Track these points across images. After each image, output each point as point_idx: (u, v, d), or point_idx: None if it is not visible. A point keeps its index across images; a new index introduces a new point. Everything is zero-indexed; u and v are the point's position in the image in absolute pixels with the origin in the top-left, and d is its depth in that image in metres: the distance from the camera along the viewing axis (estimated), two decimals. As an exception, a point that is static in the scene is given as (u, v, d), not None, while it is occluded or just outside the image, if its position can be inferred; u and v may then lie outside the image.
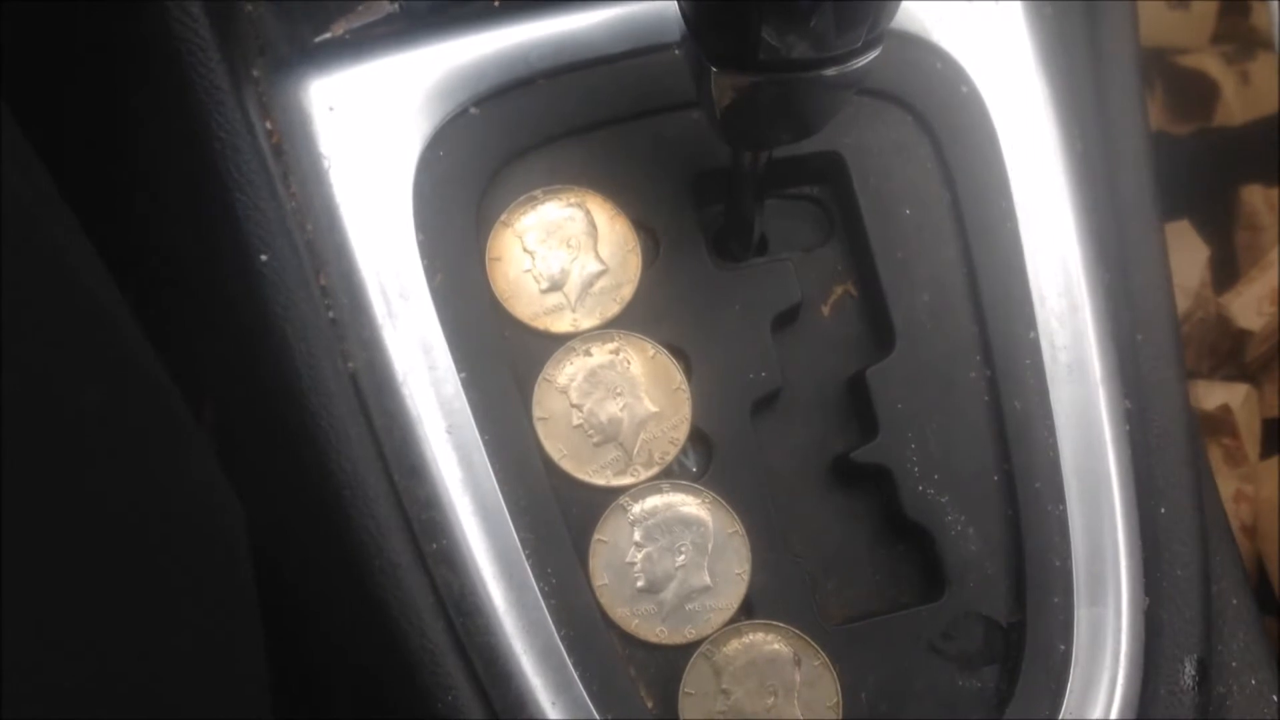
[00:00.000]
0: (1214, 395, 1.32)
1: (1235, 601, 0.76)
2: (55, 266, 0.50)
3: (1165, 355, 0.75)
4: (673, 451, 0.69)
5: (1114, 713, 0.69)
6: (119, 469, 0.51)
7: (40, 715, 0.47)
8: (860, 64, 0.61)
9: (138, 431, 0.53)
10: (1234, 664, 0.75)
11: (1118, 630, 0.69)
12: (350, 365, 0.67)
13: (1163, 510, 0.72)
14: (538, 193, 0.72)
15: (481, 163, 0.71)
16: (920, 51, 0.74)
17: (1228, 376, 1.35)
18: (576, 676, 0.65)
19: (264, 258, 0.67)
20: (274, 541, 0.72)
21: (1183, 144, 1.49)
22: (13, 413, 0.46)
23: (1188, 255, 1.35)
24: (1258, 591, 1.12)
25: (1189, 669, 0.71)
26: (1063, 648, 0.69)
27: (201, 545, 0.54)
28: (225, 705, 0.54)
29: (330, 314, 0.67)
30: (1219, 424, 1.30)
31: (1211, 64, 1.53)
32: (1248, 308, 1.34)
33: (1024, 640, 0.69)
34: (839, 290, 0.75)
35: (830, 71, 0.61)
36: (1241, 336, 1.33)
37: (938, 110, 0.74)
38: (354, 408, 0.66)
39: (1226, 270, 1.40)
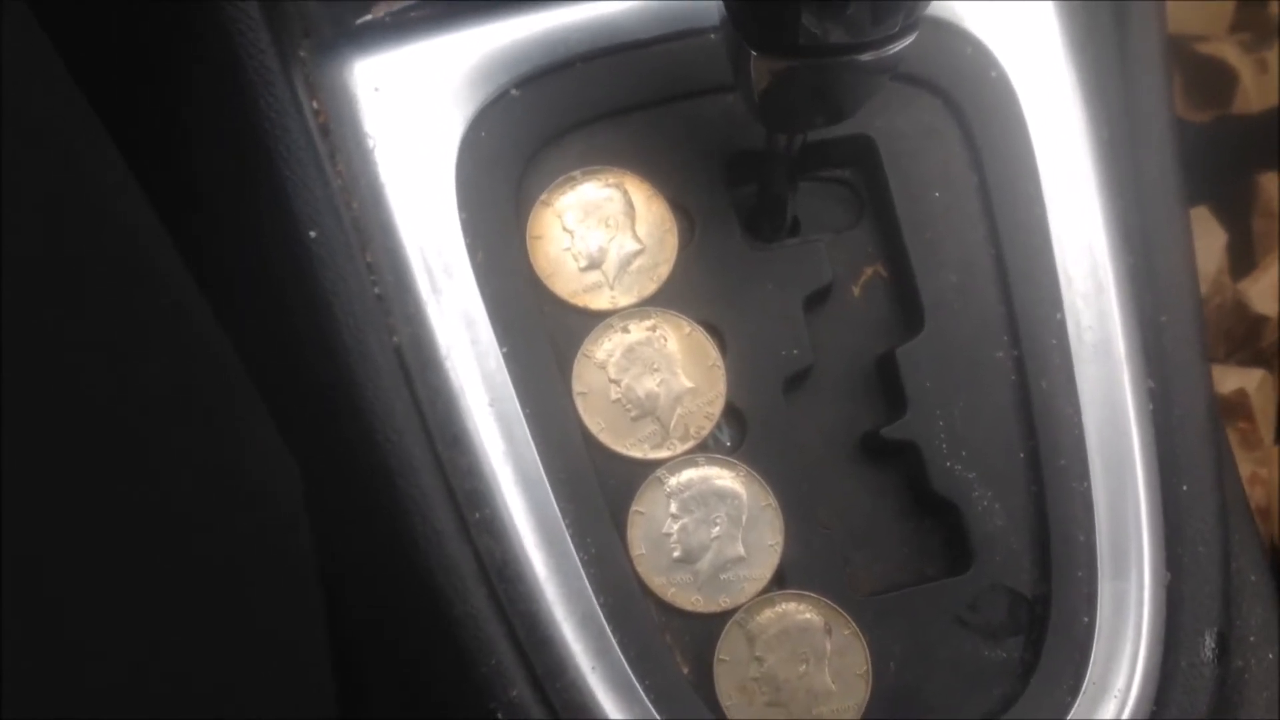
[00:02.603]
0: (1230, 380, 1.33)
1: (1253, 578, 0.78)
2: (123, 239, 0.51)
3: (1188, 336, 0.76)
4: (708, 426, 0.70)
5: (1135, 684, 0.70)
6: (184, 442, 0.53)
7: (111, 683, 0.48)
8: (895, 49, 0.62)
9: (202, 405, 0.54)
10: (1251, 639, 0.76)
11: (1140, 604, 0.71)
12: (395, 339, 0.68)
13: (1184, 488, 0.73)
14: (577, 173, 0.73)
15: (522, 143, 0.72)
16: (950, 37, 0.75)
17: (1244, 361, 1.36)
18: (615, 642, 0.67)
19: (313, 234, 0.68)
20: (318, 510, 0.74)
21: (1201, 131, 1.50)
22: (82, 384, 0.47)
23: (1205, 241, 1.36)
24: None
25: (1209, 642, 0.72)
26: (1086, 620, 0.70)
27: (265, 518, 0.55)
28: (288, 675, 0.55)
29: (376, 290, 0.69)
30: (1235, 408, 1.32)
31: (1230, 52, 1.53)
32: (1265, 293, 1.35)
33: (1048, 613, 0.70)
34: (869, 271, 0.76)
35: (866, 56, 0.62)
36: (1258, 322, 1.35)
37: (967, 95, 0.75)
38: (399, 380, 0.68)
39: (1243, 256, 1.41)
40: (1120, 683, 0.70)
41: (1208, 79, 1.52)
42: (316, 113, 0.70)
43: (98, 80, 0.56)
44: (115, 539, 0.50)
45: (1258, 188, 1.46)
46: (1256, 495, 1.28)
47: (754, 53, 0.62)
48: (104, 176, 0.50)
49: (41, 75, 0.51)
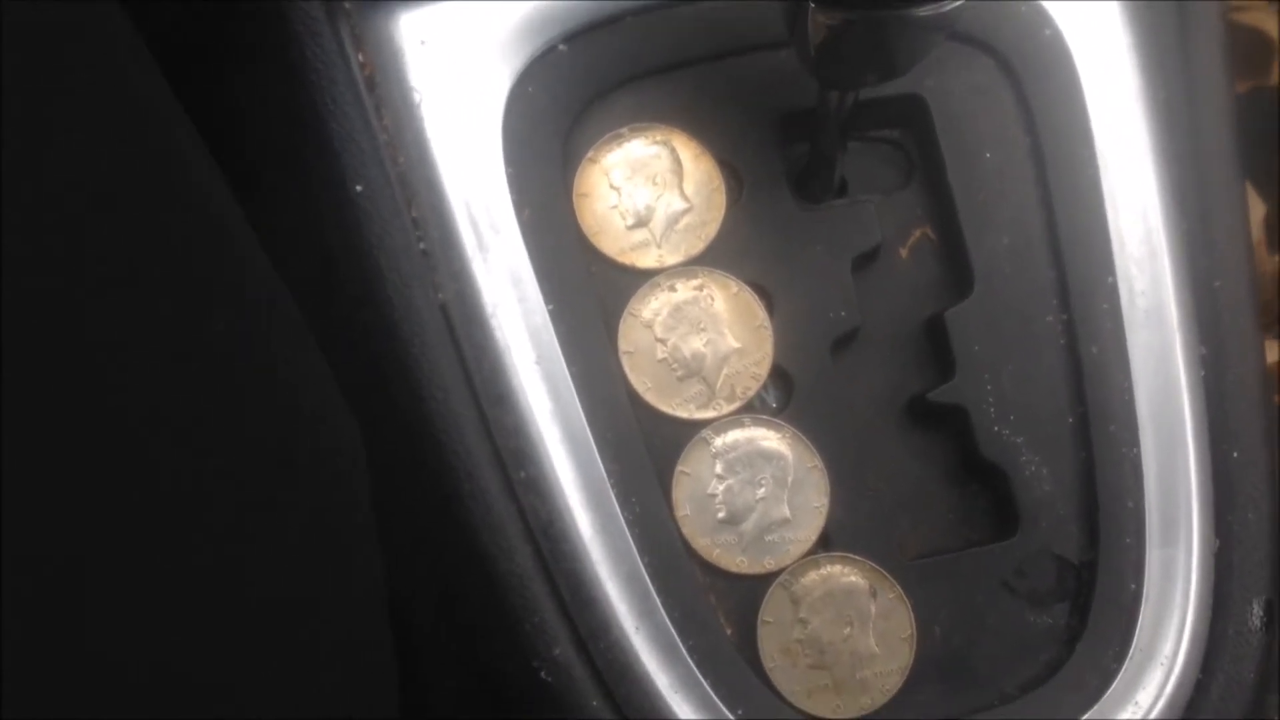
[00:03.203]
0: (1268, 352, 1.31)
1: (1301, 547, 0.77)
2: (189, 193, 0.50)
3: (1241, 303, 0.74)
4: (754, 387, 0.70)
5: (1182, 651, 0.70)
6: (249, 395, 0.52)
7: (185, 623, 0.48)
8: (953, 5, 0.61)
9: (265, 357, 0.54)
10: (1299, 608, 0.75)
11: (1188, 571, 0.70)
12: (441, 296, 0.68)
13: (1235, 455, 0.72)
14: (624, 130, 0.72)
15: (569, 99, 0.71)
16: (1004, -5, 0.73)
17: (1280, 334, 1.34)
18: (660, 603, 0.67)
19: (359, 188, 0.67)
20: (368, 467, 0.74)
21: (1239, 102, 1.47)
22: (150, 333, 0.47)
23: (1246, 211, 1.34)
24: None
25: (1257, 610, 0.71)
26: (1134, 587, 0.69)
27: (327, 471, 0.55)
28: (349, 637, 0.55)
29: (421, 245, 0.68)
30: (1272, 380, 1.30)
31: (1269, 22, 1.50)
32: (1304, 265, 1.33)
33: (1095, 579, 0.69)
34: (918, 233, 0.75)
35: (924, 11, 0.61)
36: (1297, 294, 1.33)
37: (1020, 54, 0.74)
38: (444, 338, 0.67)
39: (1281, 229, 1.39)
40: (1167, 649, 0.69)
41: (1245, 49, 1.49)
42: (362, 65, 0.69)
43: (153, 38, 0.55)
44: (181, 491, 0.49)
45: (1297, 159, 1.43)
46: (1293, 467, 1.26)
47: (811, 4, 0.60)
48: (174, 135, 0.50)
49: (117, 37, 0.51)
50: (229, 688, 0.51)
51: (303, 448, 0.54)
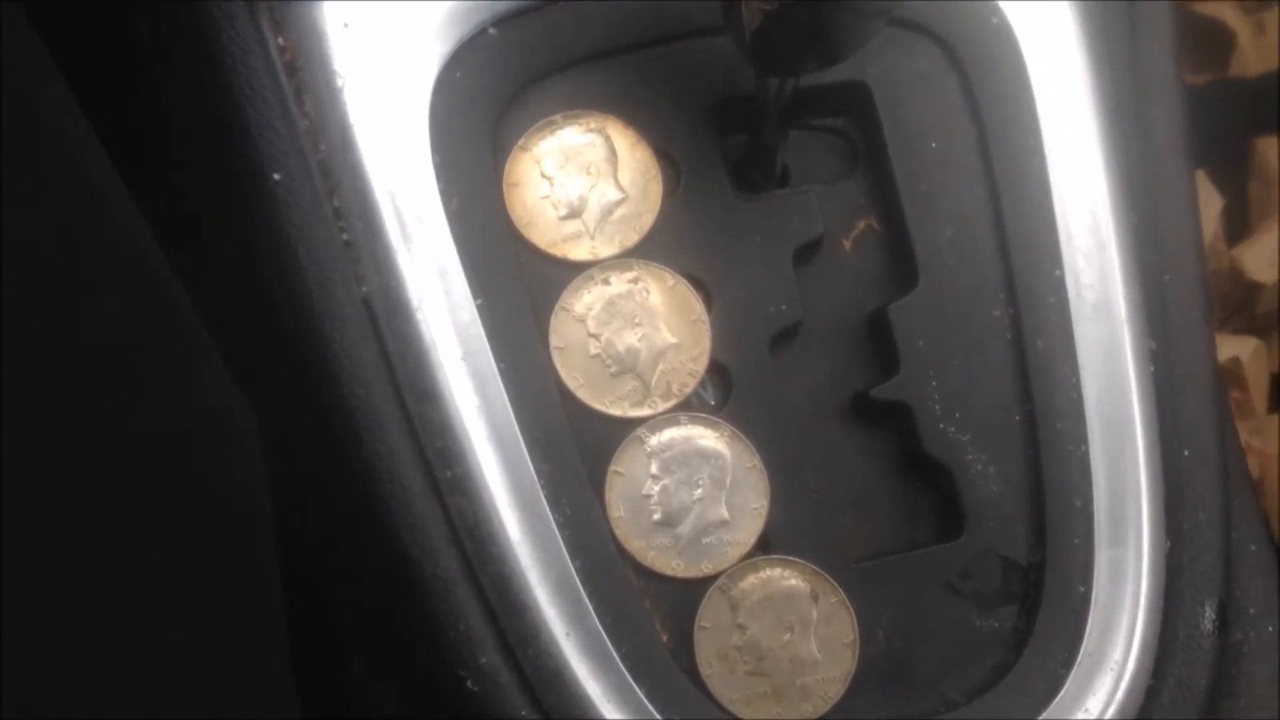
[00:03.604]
0: (1224, 348, 1.30)
1: (1254, 548, 0.75)
2: (77, 178, 0.48)
3: (1192, 297, 0.73)
4: (691, 383, 0.67)
5: (1133, 655, 0.68)
6: (136, 383, 0.50)
7: (59, 621, 0.46)
8: (892, -11, 0.59)
9: (155, 348, 0.51)
10: (1251, 610, 0.74)
11: (1138, 572, 0.68)
12: (364, 289, 0.65)
13: (1185, 453, 0.71)
14: (557, 117, 0.70)
15: (500, 85, 0.69)
16: (950, -19, 0.72)
17: (1238, 329, 1.33)
18: (591, 608, 0.64)
19: (277, 177, 0.65)
20: (283, 467, 0.71)
21: (1197, 94, 1.46)
22: (32, 312, 0.45)
23: (1202, 206, 1.31)
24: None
25: (1209, 613, 0.70)
26: (1082, 589, 0.68)
27: (218, 467, 0.53)
28: (238, 626, 0.53)
29: (344, 236, 0.66)
30: (1228, 376, 1.29)
31: (1228, 13, 1.50)
32: (1260, 260, 1.32)
33: (1043, 581, 0.67)
34: (861, 224, 0.74)
35: (863, -2, 0.59)
36: (1253, 289, 1.32)
37: (967, 42, 0.72)
38: (367, 332, 0.65)
39: (1239, 222, 1.38)
40: (1117, 654, 0.68)
41: (1205, 41, 1.48)
42: (283, 50, 0.67)
43: (52, 18, 0.53)
44: (58, 475, 0.47)
45: (1254, 152, 1.43)
46: (1250, 466, 1.25)
47: (745, -12, 0.58)
48: (59, 118, 0.48)
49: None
50: (114, 689, 0.49)
51: (196, 449, 0.52)
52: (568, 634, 0.65)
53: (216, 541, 0.55)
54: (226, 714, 0.55)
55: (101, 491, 0.55)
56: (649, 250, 0.69)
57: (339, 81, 0.67)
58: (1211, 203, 1.37)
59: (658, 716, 0.65)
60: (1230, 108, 1.47)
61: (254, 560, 0.57)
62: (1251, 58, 1.49)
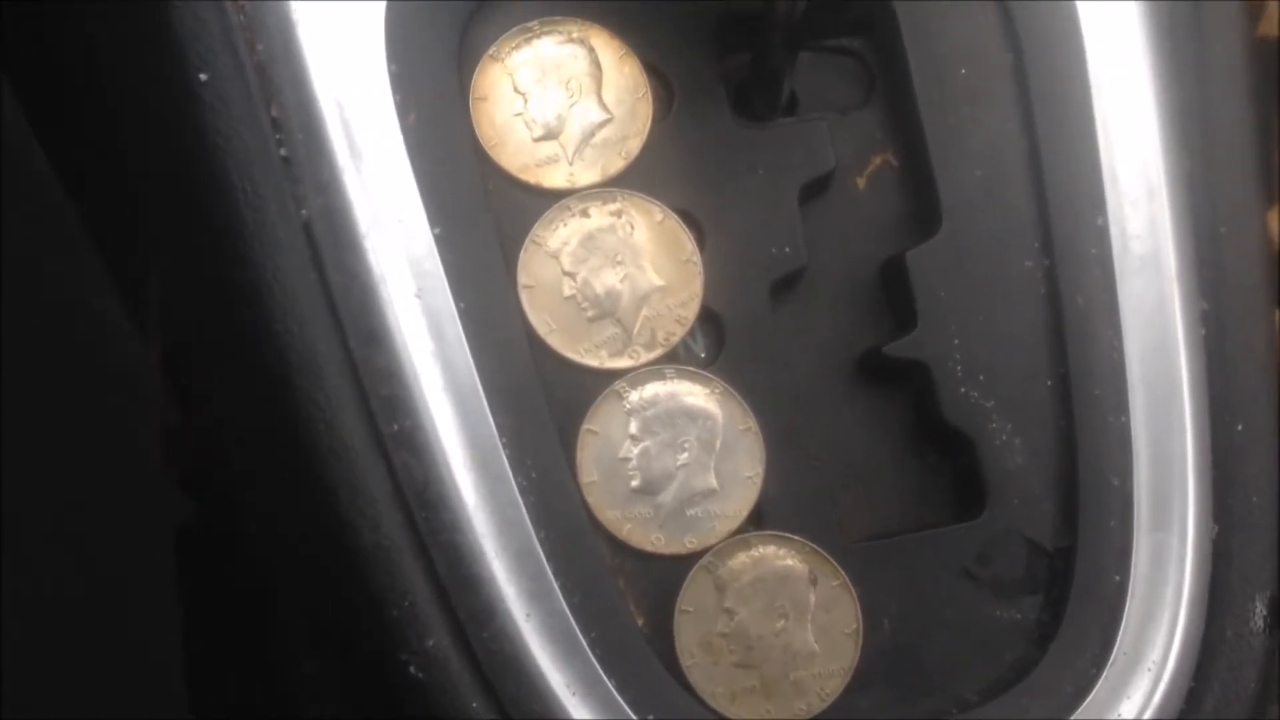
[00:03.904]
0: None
1: (1310, 536, 0.70)
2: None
3: (1250, 253, 0.68)
4: (679, 332, 0.63)
5: (1173, 653, 0.63)
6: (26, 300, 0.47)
7: None
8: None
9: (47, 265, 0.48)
10: (1305, 607, 0.69)
11: (1181, 560, 0.64)
12: (304, 212, 0.60)
13: (1239, 427, 0.65)
14: (534, 24, 0.64)
15: (469, -15, 0.64)
16: (987, -114, 0.67)
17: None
18: (556, 586, 0.60)
19: (203, 77, 0.59)
20: (213, 415, 0.65)
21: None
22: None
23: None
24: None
25: (1259, 609, 0.64)
26: (1118, 578, 0.63)
27: (109, 387, 0.49)
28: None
29: (282, 151, 0.60)
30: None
31: (1263, -33, 1.43)
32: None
33: (1073, 568, 0.64)
34: (878, 160, 0.69)
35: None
36: (1283, 258, 1.25)
37: (1005, -45, 0.66)
38: (305, 261, 0.60)
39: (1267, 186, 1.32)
40: (1155, 653, 0.63)
41: (1234, 0, 1.42)
42: (217, -67, 0.59)
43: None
44: None
45: (1284, 117, 1.36)
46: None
47: None
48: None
49: None
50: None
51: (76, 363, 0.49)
52: (528, 615, 0.59)
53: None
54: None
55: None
56: (635, 180, 0.64)
57: (283, -28, 0.61)
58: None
59: (629, 711, 0.59)
60: (1259, 69, 1.40)
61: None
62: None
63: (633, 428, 0.62)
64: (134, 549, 0.54)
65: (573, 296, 0.63)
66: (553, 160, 0.63)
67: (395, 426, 0.59)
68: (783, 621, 0.62)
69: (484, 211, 0.62)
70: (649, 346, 0.63)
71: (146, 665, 0.54)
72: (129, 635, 0.54)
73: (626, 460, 0.62)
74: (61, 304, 0.53)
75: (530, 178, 0.63)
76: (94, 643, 0.53)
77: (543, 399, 0.61)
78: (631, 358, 0.63)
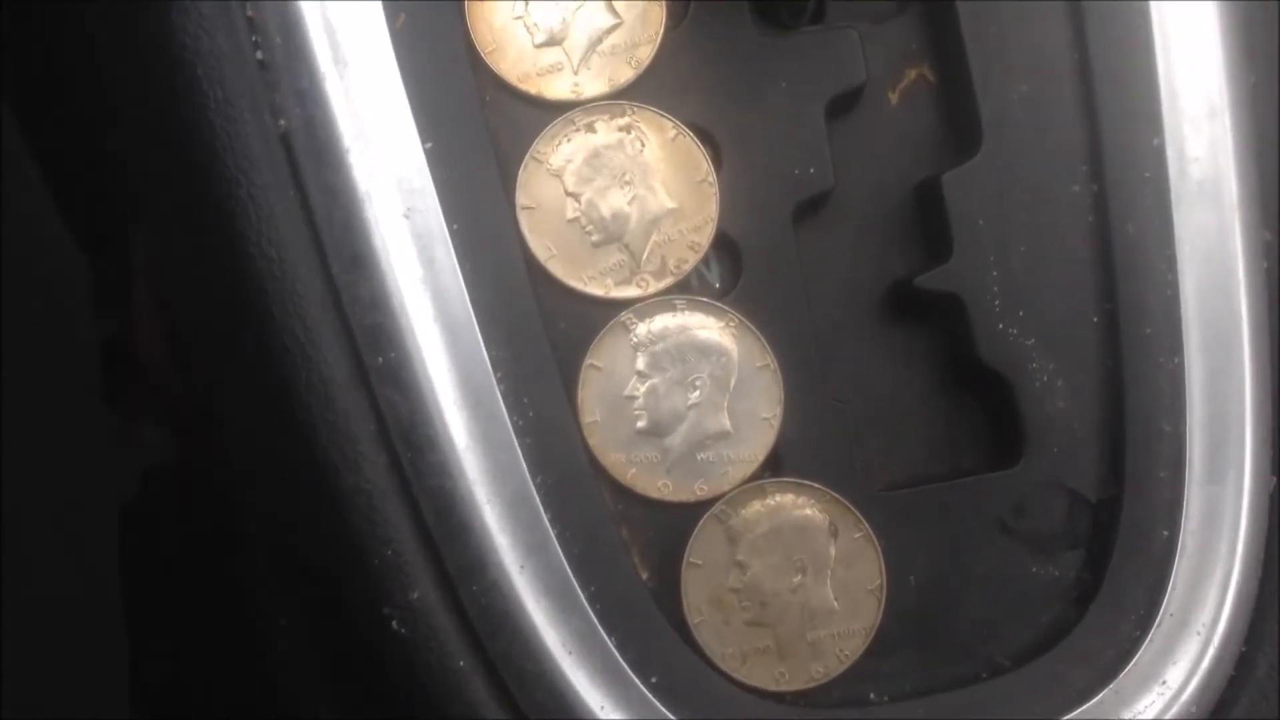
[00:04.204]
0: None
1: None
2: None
3: (1321, 178, 0.65)
4: (692, 259, 0.61)
5: (1224, 615, 0.60)
6: None
7: None
8: None
9: None
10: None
11: (1236, 515, 0.61)
12: (282, 123, 0.57)
13: None
14: None
15: None
16: None
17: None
18: (553, 535, 0.58)
19: None
20: (187, 351, 0.62)
21: None
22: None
23: None
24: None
25: (1321, 568, 0.62)
26: (1166, 533, 0.61)
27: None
28: None
29: (259, 55, 0.57)
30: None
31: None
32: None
33: (1117, 521, 0.61)
34: (912, 73, 0.66)
35: None
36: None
37: None
38: (284, 177, 0.57)
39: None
40: (1205, 616, 0.60)
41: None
42: None
43: None
44: None
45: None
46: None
47: None
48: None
49: None
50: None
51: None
52: (522, 567, 0.56)
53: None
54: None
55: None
56: (646, 92, 0.62)
57: None
58: None
59: (631, 674, 0.57)
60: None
61: None
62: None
63: (640, 363, 0.60)
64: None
65: (576, 219, 0.60)
66: (556, 69, 0.61)
67: (380, 359, 0.57)
68: (800, 576, 0.60)
69: (480, 124, 0.59)
70: (659, 275, 0.60)
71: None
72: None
73: (632, 399, 0.60)
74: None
75: (531, 87, 0.61)
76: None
77: (542, 330, 0.59)
78: (639, 287, 0.60)
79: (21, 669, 0.49)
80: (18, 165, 0.53)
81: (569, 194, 0.60)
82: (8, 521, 0.49)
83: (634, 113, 0.61)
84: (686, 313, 0.60)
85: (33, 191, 0.55)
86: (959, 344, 0.63)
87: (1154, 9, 0.62)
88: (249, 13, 0.56)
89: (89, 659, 0.52)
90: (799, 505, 0.60)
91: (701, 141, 0.61)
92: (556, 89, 0.60)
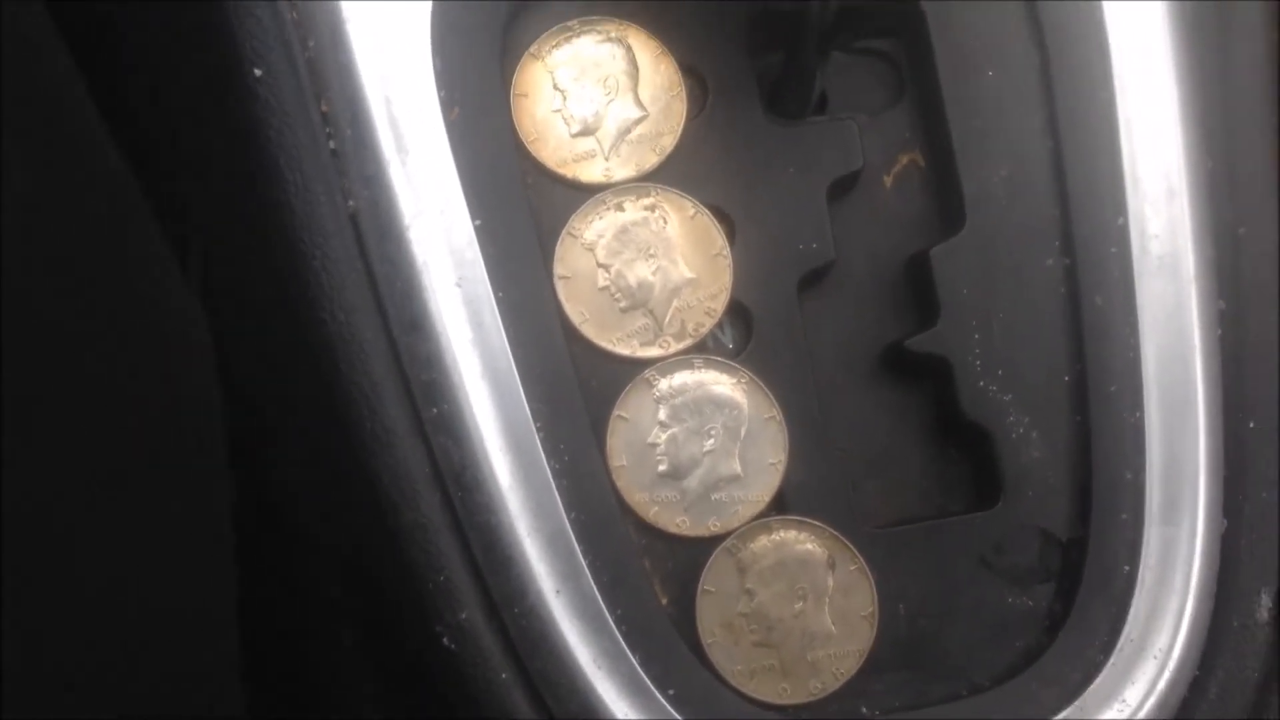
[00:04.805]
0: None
1: (1319, 534, 0.69)
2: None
3: (1268, 254, 0.67)
4: (708, 324, 0.64)
5: (1179, 642, 0.63)
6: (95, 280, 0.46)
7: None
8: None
9: (88, 225, 0.46)
10: (1312, 601, 0.68)
11: (1190, 554, 0.64)
12: (351, 203, 0.61)
13: (1251, 425, 0.65)
14: (574, 23, 0.65)
15: (512, -16, 0.63)
16: (1016, -109, 0.66)
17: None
18: (585, 565, 0.60)
19: (258, 73, 0.60)
20: (259, 402, 0.66)
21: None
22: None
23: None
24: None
25: (1265, 602, 0.64)
26: (1127, 569, 0.64)
27: (166, 364, 0.49)
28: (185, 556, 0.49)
29: (331, 144, 0.61)
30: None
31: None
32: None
33: (1084, 558, 0.64)
34: (905, 159, 0.69)
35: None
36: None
37: (1034, -41, 0.65)
38: (352, 251, 0.61)
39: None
40: (1162, 642, 0.63)
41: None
42: (272, -66, 0.61)
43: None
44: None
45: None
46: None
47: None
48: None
49: None
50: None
51: (139, 339, 0.48)
52: (558, 592, 0.60)
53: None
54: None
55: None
56: (669, 175, 0.65)
57: (333, -28, 0.61)
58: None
59: (653, 687, 0.60)
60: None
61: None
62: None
63: (661, 414, 0.63)
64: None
65: (606, 287, 0.63)
66: (590, 155, 0.64)
67: (435, 411, 0.60)
68: (801, 603, 0.62)
69: (523, 204, 0.62)
70: (679, 337, 0.63)
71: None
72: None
73: (655, 445, 0.62)
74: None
75: (568, 172, 0.64)
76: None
77: (576, 386, 0.62)
78: (662, 347, 0.63)
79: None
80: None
81: (600, 265, 0.63)
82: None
83: (658, 194, 0.64)
84: (703, 370, 0.63)
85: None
86: (945, 400, 0.65)
87: (1119, 102, 0.65)
88: (323, 107, 0.60)
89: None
90: (801, 540, 0.63)
91: (717, 219, 0.64)
92: (590, 173, 0.64)
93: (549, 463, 0.61)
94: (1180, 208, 0.65)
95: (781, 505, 0.64)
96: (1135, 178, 0.65)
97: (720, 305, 0.64)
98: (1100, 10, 0.66)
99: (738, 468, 0.63)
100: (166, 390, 0.50)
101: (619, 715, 0.59)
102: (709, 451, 0.63)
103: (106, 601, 0.49)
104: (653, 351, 0.63)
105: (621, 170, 0.64)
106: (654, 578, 0.63)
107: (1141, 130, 0.65)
